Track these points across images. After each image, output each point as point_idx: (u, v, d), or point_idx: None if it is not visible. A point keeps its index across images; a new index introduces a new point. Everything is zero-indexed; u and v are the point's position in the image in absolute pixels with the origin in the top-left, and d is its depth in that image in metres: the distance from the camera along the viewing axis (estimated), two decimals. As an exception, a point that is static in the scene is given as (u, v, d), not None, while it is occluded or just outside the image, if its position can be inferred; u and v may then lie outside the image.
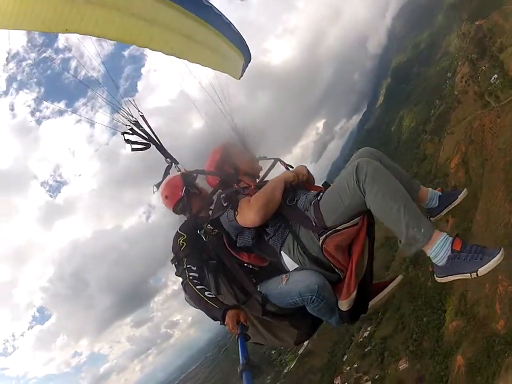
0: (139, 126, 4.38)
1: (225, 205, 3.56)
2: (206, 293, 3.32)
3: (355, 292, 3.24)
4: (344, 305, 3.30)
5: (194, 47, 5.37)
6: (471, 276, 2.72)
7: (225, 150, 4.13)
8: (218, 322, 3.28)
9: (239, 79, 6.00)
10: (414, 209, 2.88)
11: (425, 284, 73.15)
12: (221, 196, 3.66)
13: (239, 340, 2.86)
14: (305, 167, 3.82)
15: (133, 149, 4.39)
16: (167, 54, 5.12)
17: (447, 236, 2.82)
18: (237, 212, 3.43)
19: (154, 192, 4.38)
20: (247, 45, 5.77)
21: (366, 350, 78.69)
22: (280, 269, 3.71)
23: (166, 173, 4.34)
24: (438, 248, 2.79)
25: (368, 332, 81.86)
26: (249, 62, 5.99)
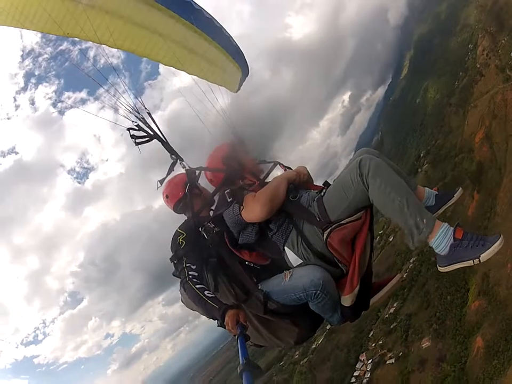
0: (145, 123, 4.57)
1: (230, 200, 3.61)
2: (206, 292, 3.31)
3: (358, 286, 3.29)
4: (347, 300, 3.34)
5: (195, 59, 5.54)
6: (473, 262, 2.78)
7: (232, 147, 4.11)
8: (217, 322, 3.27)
9: (236, 92, 6.08)
10: (416, 201, 2.99)
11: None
12: (226, 192, 3.71)
13: (238, 340, 2.87)
14: (305, 167, 3.90)
15: (136, 143, 4.53)
16: (165, 64, 5.43)
17: (448, 225, 2.89)
18: (242, 207, 3.48)
19: (157, 188, 4.41)
20: (245, 58, 5.89)
21: (391, 326, 78.57)
22: (282, 267, 3.68)
23: (171, 169, 4.41)
24: (441, 238, 2.85)
25: (394, 308, 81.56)
26: (247, 75, 6.07)
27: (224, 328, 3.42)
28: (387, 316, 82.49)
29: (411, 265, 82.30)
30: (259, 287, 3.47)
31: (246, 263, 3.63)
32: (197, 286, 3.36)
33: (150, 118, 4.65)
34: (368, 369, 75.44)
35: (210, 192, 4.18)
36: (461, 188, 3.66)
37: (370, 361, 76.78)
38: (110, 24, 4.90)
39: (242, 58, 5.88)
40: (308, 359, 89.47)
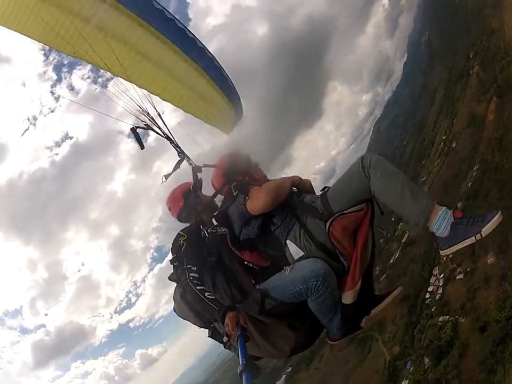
0: (154, 122, 4.75)
1: (235, 193, 3.69)
2: (206, 294, 3.29)
3: (360, 282, 3.24)
4: (348, 297, 3.26)
5: (192, 96, 5.66)
6: (475, 238, 2.80)
7: (235, 154, 4.20)
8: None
9: (229, 133, 6.06)
10: (415, 186, 3.10)
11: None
12: (232, 185, 3.81)
13: (238, 341, 2.89)
14: (310, 180, 3.93)
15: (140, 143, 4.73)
16: (163, 99, 5.52)
17: (447, 208, 2.94)
18: (247, 197, 3.57)
19: (162, 183, 4.52)
20: (240, 100, 5.96)
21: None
22: (282, 268, 3.54)
23: (177, 166, 4.54)
24: (441, 219, 2.90)
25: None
26: (241, 117, 6.09)
27: (214, 339, 3.61)
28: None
29: (474, 173, 78.81)
30: (257, 287, 3.42)
31: (246, 263, 3.62)
32: (198, 288, 3.33)
33: (160, 118, 4.81)
34: (440, 285, 75.04)
35: (209, 198, 4.19)
36: (460, 202, 3.63)
37: (442, 276, 75.72)
38: (114, 49, 4.97)
39: (238, 101, 5.96)
40: (386, 274, 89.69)
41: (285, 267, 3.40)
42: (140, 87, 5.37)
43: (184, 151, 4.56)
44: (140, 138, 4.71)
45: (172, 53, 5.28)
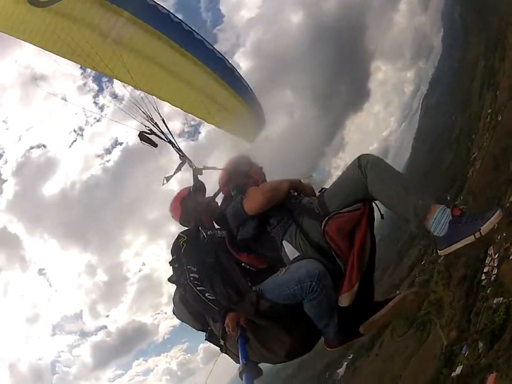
0: (158, 127, 4.88)
1: (233, 193, 3.76)
2: (207, 294, 3.32)
3: (357, 284, 3.13)
4: (345, 299, 3.14)
5: (215, 107, 5.79)
6: (474, 237, 2.72)
7: (239, 156, 4.34)
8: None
9: (252, 142, 6.21)
10: (412, 184, 3.05)
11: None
12: (231, 186, 3.92)
13: (238, 342, 2.94)
14: (311, 184, 3.94)
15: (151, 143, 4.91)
16: (185, 111, 5.86)
17: (445, 206, 2.87)
18: (243, 196, 3.61)
19: (163, 184, 4.72)
20: (262, 109, 6.07)
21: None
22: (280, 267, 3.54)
23: (178, 169, 4.71)
24: (439, 217, 2.83)
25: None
26: (264, 126, 6.24)
27: (212, 342, 3.72)
28: (508, 204, 76.56)
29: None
30: (253, 289, 3.40)
31: (243, 264, 3.65)
32: (198, 288, 3.37)
33: (163, 123, 4.95)
34: (495, 265, 72.07)
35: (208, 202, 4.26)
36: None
37: (497, 255, 72.86)
38: (132, 63, 5.18)
39: (260, 110, 6.06)
40: (444, 257, 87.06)
41: (280, 268, 3.36)
42: (161, 100, 5.65)
43: (186, 154, 4.72)
44: (149, 139, 4.93)
45: (192, 65, 5.44)
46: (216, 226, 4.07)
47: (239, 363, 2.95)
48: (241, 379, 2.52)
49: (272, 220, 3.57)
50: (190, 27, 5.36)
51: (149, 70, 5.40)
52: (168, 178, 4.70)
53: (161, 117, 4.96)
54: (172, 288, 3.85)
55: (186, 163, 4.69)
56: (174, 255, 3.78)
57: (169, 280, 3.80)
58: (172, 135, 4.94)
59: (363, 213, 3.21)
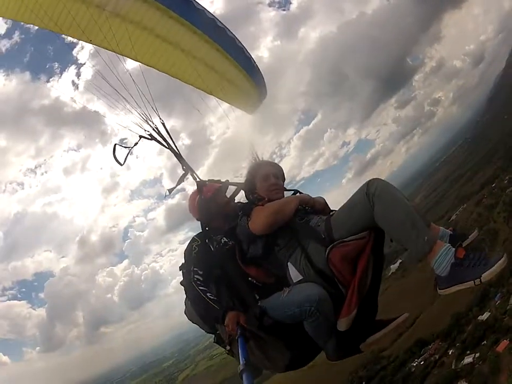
0: (159, 133, 4.67)
1: (240, 213, 3.74)
2: (208, 294, 3.38)
3: (355, 310, 3.15)
4: (342, 324, 3.18)
5: (215, 77, 5.60)
6: (474, 283, 2.74)
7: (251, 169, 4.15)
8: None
9: (252, 114, 6.14)
10: (418, 220, 2.97)
11: None
12: (237, 206, 3.98)
13: (238, 341, 2.95)
14: (324, 198, 3.90)
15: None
16: (185, 82, 5.55)
17: (450, 245, 2.88)
18: (249, 218, 3.60)
19: (165, 196, 4.56)
20: (263, 80, 5.92)
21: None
22: (285, 287, 3.55)
23: (180, 180, 4.54)
24: (442, 257, 2.83)
25: None
26: (265, 97, 6.10)
27: (220, 345, 3.73)
28: None
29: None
30: (258, 303, 3.44)
31: (250, 279, 3.65)
32: (200, 288, 3.43)
33: (164, 128, 4.73)
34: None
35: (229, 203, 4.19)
36: (476, 231, 3.55)
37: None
38: (132, 34, 5.00)
39: (262, 80, 5.90)
40: None
41: (284, 288, 3.39)
42: (161, 71, 5.50)
43: (189, 165, 4.53)
44: (158, 141, 4.67)
45: (192, 34, 5.25)
46: (225, 238, 3.95)
47: None
48: (241, 378, 2.51)
49: (279, 240, 3.54)
50: (202, 6, 5.14)
51: (147, 40, 5.21)
52: (170, 190, 4.53)
53: (161, 120, 4.72)
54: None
55: (189, 174, 4.50)
56: (185, 257, 3.85)
57: (181, 283, 3.81)
58: (174, 142, 4.69)
59: (368, 241, 3.20)
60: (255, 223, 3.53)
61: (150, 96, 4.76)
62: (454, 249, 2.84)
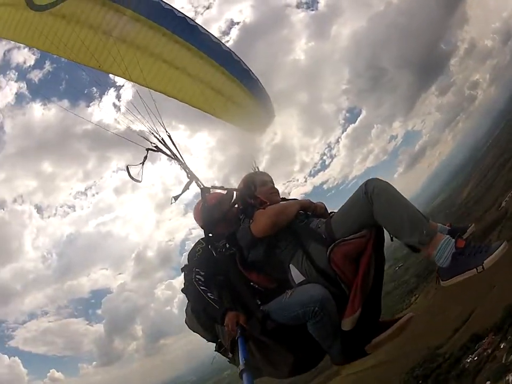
0: (165, 144, 4.83)
1: (241, 217, 3.78)
2: (209, 294, 3.42)
3: (360, 310, 3.15)
4: (347, 324, 3.17)
5: (222, 101, 5.73)
6: (477, 270, 2.73)
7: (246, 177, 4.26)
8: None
9: (261, 135, 6.22)
10: (417, 214, 3.03)
11: None
12: (238, 209, 3.99)
13: (238, 341, 3.00)
14: (324, 203, 3.93)
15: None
16: (193, 106, 5.71)
17: (449, 237, 2.89)
18: (251, 221, 3.61)
19: (171, 203, 4.68)
20: (271, 102, 6.01)
21: None
22: (287, 290, 3.53)
23: (186, 188, 4.63)
24: (443, 248, 2.85)
25: None
26: (273, 118, 6.17)
27: (221, 353, 3.77)
28: None
29: None
30: (261, 308, 3.43)
31: (252, 284, 3.67)
32: (201, 288, 3.46)
33: (170, 140, 4.87)
34: None
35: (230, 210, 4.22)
36: (473, 224, 3.56)
37: None
38: (139, 60, 5.14)
39: (269, 102, 5.97)
40: None
41: (287, 290, 3.39)
42: (168, 96, 5.62)
43: (194, 173, 4.64)
44: (164, 152, 4.87)
45: (198, 59, 5.40)
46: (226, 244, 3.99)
47: None
48: (241, 379, 2.53)
49: (280, 243, 3.57)
50: (194, 21, 5.30)
51: (154, 66, 5.38)
52: (176, 198, 4.66)
53: (167, 132, 4.89)
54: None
55: (193, 182, 4.61)
56: (188, 260, 3.90)
57: (183, 291, 3.84)
58: (180, 152, 4.83)
59: (369, 239, 3.22)
60: (257, 225, 3.54)
61: (156, 110, 4.94)
62: (454, 240, 2.86)
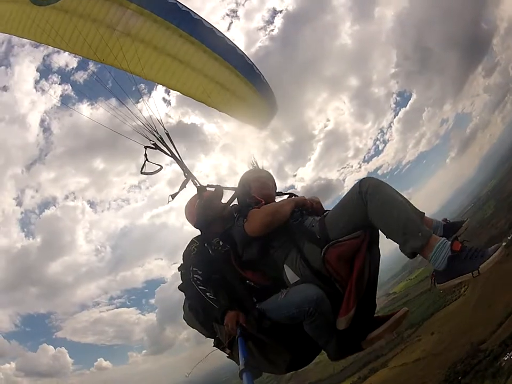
0: (163, 142, 4.85)
1: (235, 215, 3.77)
2: (207, 294, 3.41)
3: (354, 309, 3.14)
4: (341, 323, 3.17)
5: (226, 95, 5.74)
6: (472, 274, 2.71)
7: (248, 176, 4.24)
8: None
9: (263, 129, 6.23)
10: (412, 215, 2.98)
11: None
12: (232, 208, 3.97)
13: (238, 341, 2.99)
14: (318, 198, 3.92)
15: (142, 172, 5.05)
16: (197, 100, 5.73)
17: (446, 239, 2.84)
18: (246, 219, 3.61)
19: (168, 202, 4.73)
20: (274, 96, 5.97)
21: None
22: (282, 288, 3.55)
23: (182, 186, 4.67)
24: (438, 251, 2.80)
25: None
26: (276, 112, 6.16)
27: (220, 349, 3.73)
28: None
29: None
30: (257, 306, 3.45)
31: (247, 282, 3.66)
32: (200, 287, 3.46)
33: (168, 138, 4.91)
34: None
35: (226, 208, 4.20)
36: (469, 219, 3.52)
37: None
38: (143, 54, 5.18)
39: (272, 95, 5.94)
40: None
41: (282, 289, 3.40)
42: (171, 89, 5.66)
43: (190, 171, 4.68)
44: (162, 150, 4.91)
45: (202, 53, 5.38)
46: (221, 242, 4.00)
47: None
48: (241, 378, 2.51)
49: (274, 242, 3.57)
50: (198, 15, 5.27)
51: (158, 59, 5.38)
52: (173, 196, 4.68)
53: (165, 130, 4.92)
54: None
55: (190, 180, 4.65)
56: (183, 259, 3.88)
57: (179, 288, 3.85)
58: (177, 151, 4.88)
59: (363, 240, 3.19)
60: (251, 224, 3.55)
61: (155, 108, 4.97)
62: (449, 242, 2.82)
